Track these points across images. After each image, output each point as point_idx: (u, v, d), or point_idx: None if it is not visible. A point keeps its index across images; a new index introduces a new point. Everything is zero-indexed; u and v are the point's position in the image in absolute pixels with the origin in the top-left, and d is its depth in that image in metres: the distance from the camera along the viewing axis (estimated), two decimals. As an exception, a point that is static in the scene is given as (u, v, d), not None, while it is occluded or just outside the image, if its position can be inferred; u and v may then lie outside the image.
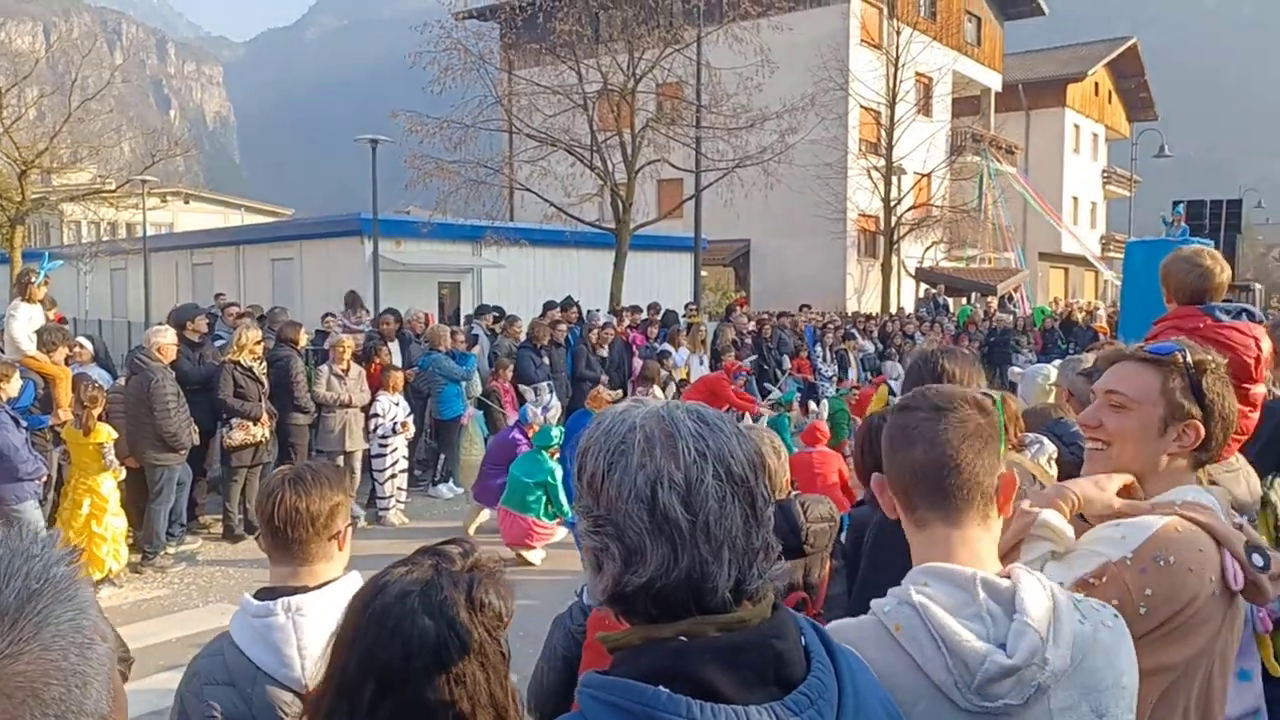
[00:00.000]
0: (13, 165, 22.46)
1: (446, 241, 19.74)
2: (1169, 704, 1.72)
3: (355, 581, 2.14)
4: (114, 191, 24.68)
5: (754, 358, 15.10)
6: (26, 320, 8.89)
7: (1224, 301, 3.69)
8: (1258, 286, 15.64)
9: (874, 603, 1.49)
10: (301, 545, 2.18)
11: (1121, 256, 13.25)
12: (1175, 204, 8.66)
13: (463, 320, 16.13)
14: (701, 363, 14.29)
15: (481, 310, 14.01)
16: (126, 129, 29.15)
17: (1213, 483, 2.79)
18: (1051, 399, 4.99)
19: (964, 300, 28.36)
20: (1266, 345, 3.57)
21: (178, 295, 21.95)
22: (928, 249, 30.35)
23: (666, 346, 14.17)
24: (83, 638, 0.81)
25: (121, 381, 8.73)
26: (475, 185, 17.88)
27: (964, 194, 33.09)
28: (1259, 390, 3.57)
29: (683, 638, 1.12)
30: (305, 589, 2.18)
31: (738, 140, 18.58)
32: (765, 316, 17.49)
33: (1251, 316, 3.60)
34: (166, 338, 8.54)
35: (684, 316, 16.23)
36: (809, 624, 1.24)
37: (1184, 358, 1.93)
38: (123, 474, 7.68)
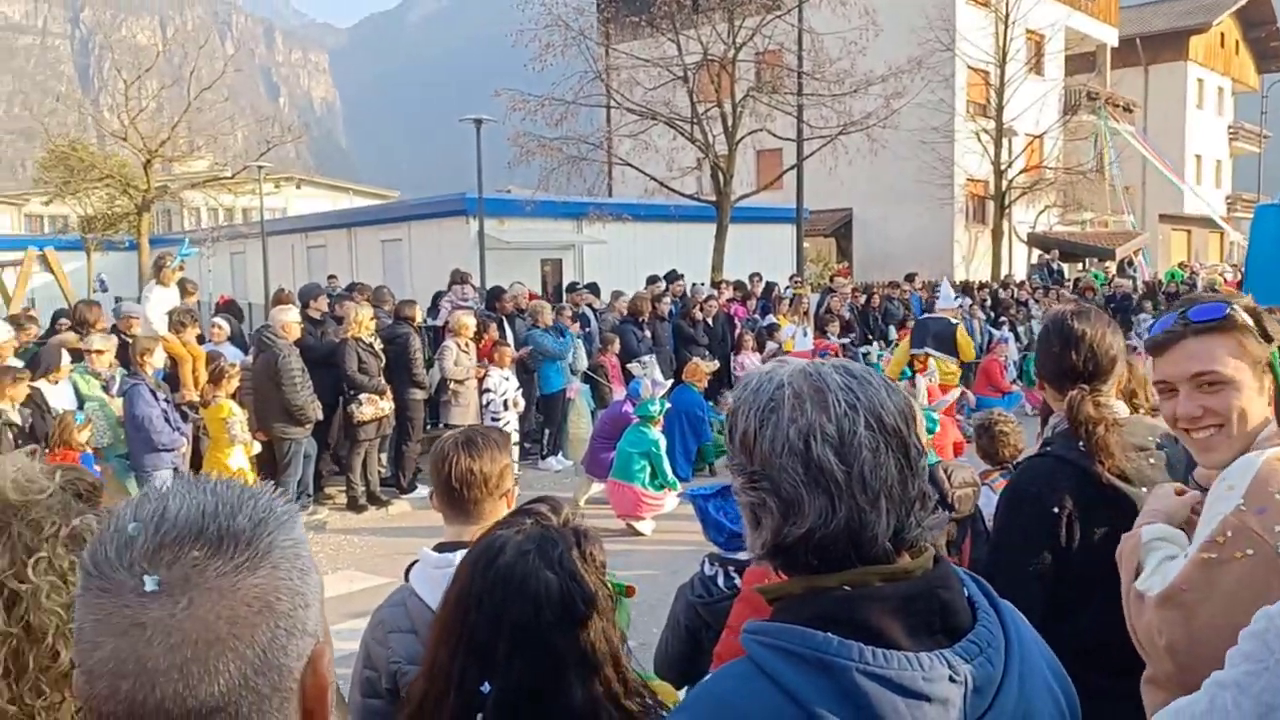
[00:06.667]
0: (138, 155, 23.61)
1: (549, 219, 19.90)
2: None
3: None
4: (232, 178, 25.68)
5: (853, 335, 15.02)
6: (159, 302, 9.35)
7: None
8: None
9: None
10: (476, 504, 2.33)
11: (1250, 217, 12.54)
12: None
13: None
14: (806, 334, 14.14)
15: (573, 287, 14.02)
16: (239, 117, 30.28)
17: None
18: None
19: (1079, 266, 27.35)
20: None
21: (294, 277, 22.79)
22: (1040, 213, 29.30)
23: (771, 319, 14.07)
24: (303, 564, 0.89)
25: (249, 359, 9.02)
26: (576, 162, 17.98)
27: (1079, 155, 31.81)
28: None
29: (847, 587, 1.12)
30: None
31: (841, 106, 18.22)
32: (873, 286, 17.23)
33: None
34: (291, 316, 8.83)
35: (788, 288, 16.07)
36: (969, 576, 1.24)
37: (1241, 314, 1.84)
38: (256, 448, 7.92)
